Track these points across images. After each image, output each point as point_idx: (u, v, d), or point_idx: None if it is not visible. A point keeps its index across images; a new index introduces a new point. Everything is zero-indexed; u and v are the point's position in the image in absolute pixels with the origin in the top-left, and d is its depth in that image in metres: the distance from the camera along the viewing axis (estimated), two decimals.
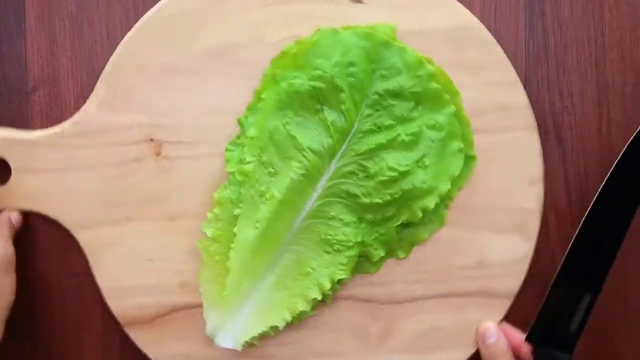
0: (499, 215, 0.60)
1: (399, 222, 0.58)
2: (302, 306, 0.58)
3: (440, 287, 0.60)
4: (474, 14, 0.60)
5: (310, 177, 0.57)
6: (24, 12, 0.62)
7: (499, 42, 0.60)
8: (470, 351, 0.60)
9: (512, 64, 0.60)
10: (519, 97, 0.60)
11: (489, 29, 0.60)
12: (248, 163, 0.58)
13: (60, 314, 0.62)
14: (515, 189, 0.60)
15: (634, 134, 0.57)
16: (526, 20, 0.62)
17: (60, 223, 0.60)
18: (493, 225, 0.60)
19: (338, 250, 0.58)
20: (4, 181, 0.60)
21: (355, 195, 0.58)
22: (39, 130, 0.60)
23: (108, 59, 0.60)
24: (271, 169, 0.58)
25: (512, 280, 0.60)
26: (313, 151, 0.57)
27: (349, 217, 0.58)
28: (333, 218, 0.58)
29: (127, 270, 0.60)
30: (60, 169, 0.60)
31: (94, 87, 0.60)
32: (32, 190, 0.60)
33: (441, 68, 0.59)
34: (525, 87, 0.61)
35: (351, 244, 0.58)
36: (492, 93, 0.60)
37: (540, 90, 0.62)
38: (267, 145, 0.58)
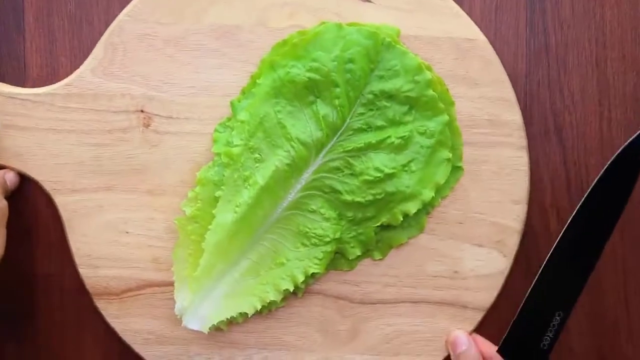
0: (479, 228, 0.60)
1: (378, 224, 0.58)
2: (273, 296, 0.58)
3: (413, 293, 0.60)
4: (474, 12, 0.61)
5: (295, 167, 0.57)
6: (22, 11, 0.61)
7: (499, 41, 0.61)
8: None
9: (513, 63, 0.61)
10: (513, 114, 0.60)
11: (490, 28, 0.61)
12: (235, 146, 0.57)
13: (60, 314, 0.62)
14: (498, 205, 0.60)
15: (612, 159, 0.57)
16: (527, 19, 0.62)
17: (40, 184, 0.60)
18: (472, 237, 0.60)
19: (315, 244, 0.58)
20: None
21: (338, 192, 0.57)
22: (30, 89, 0.60)
23: None
24: (257, 155, 0.57)
25: (486, 294, 0.60)
26: (301, 142, 0.57)
27: (329, 213, 0.58)
28: (313, 212, 0.58)
29: (102, 240, 0.60)
30: (46, 130, 0.59)
31: None
32: (16, 148, 0.59)
33: (439, 76, 0.59)
34: (525, 87, 0.61)
35: (329, 239, 0.58)
36: (487, 107, 0.60)
37: (541, 89, 0.62)
38: (256, 131, 0.57)
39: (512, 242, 0.60)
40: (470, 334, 0.60)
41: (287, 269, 0.58)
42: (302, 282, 0.58)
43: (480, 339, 0.60)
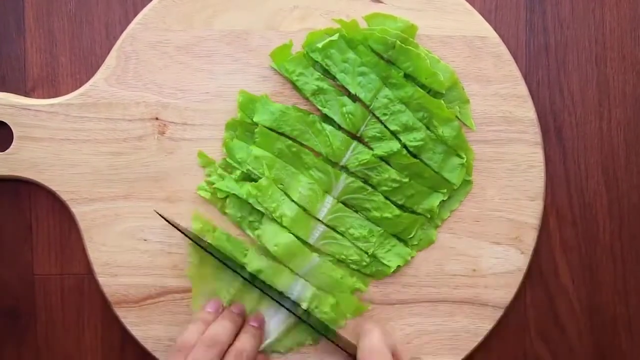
0: (496, 226, 0.60)
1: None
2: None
3: (433, 292, 0.60)
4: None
5: (321, 187, 0.59)
6: (23, 11, 0.61)
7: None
8: (458, 359, 0.60)
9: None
10: (527, 111, 0.60)
11: (490, 28, 0.60)
12: (260, 179, 0.59)
13: (60, 314, 0.62)
14: (515, 202, 0.60)
15: None
16: (527, 19, 0.62)
17: (57, 195, 0.60)
18: (490, 235, 0.60)
19: (356, 270, 0.60)
20: (4, 147, 0.60)
21: (367, 209, 0.59)
22: (44, 99, 0.60)
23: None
24: (281, 185, 0.59)
25: (505, 291, 0.60)
26: (319, 164, 0.59)
27: (359, 232, 0.59)
28: (344, 236, 0.59)
29: (120, 249, 0.60)
30: (62, 140, 0.60)
31: None
32: (32, 159, 0.60)
33: (455, 73, 0.59)
34: (525, 87, 0.61)
35: (365, 263, 0.60)
36: (500, 105, 0.60)
37: (540, 89, 0.62)
38: (274, 163, 0.59)
39: (530, 239, 0.60)
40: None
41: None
42: None
43: None
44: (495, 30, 0.61)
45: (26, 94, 0.61)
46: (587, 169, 0.62)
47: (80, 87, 0.60)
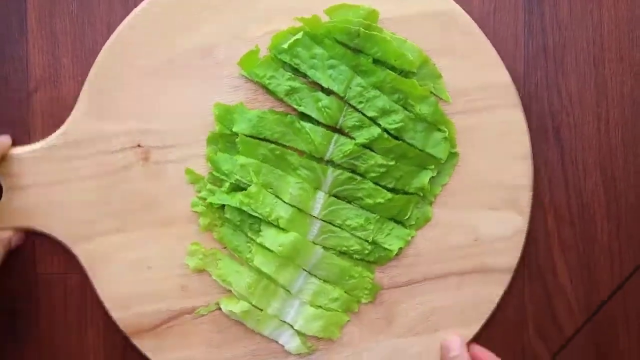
0: (490, 192, 0.61)
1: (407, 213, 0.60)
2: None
3: (439, 268, 0.61)
4: (472, 13, 0.61)
5: (311, 184, 0.59)
6: (25, 12, 0.62)
7: (498, 42, 0.61)
8: (475, 329, 0.61)
9: (511, 65, 0.61)
10: (501, 75, 0.60)
11: (488, 29, 0.61)
12: (249, 186, 0.59)
13: (61, 314, 0.62)
14: (503, 166, 0.61)
15: None
16: (525, 20, 0.62)
17: (54, 238, 0.60)
18: (485, 202, 0.61)
19: (360, 259, 0.60)
20: None
21: (359, 198, 0.59)
22: (26, 146, 0.60)
23: None
24: (271, 189, 0.59)
25: (509, 255, 0.61)
26: (305, 162, 0.59)
27: (355, 221, 0.59)
28: (341, 228, 0.60)
29: (127, 280, 0.60)
30: (50, 183, 0.60)
31: None
32: (24, 208, 0.60)
33: (423, 51, 0.60)
34: (524, 87, 0.62)
35: (368, 250, 0.60)
36: (473, 74, 0.60)
37: (539, 90, 0.63)
38: (260, 168, 0.59)
39: (525, 199, 0.61)
40: (470, 344, 0.60)
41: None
42: None
43: (481, 350, 0.60)
44: (494, 32, 0.61)
45: (28, 94, 0.62)
46: (585, 169, 0.63)
47: (82, 88, 0.60)
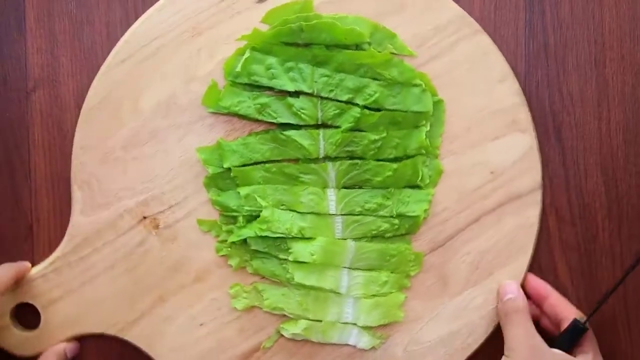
0: (488, 123, 0.60)
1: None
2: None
3: (469, 214, 0.60)
4: (473, 12, 0.61)
5: (318, 192, 0.60)
6: (24, 11, 0.62)
7: (499, 41, 0.61)
8: (526, 258, 0.60)
9: (512, 64, 0.61)
10: (451, 9, 0.60)
11: (489, 28, 0.61)
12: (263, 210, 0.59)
13: None
14: (490, 92, 0.60)
15: None
16: (526, 19, 0.62)
17: (105, 334, 0.61)
18: (487, 134, 0.60)
19: (395, 238, 0.60)
20: (35, 324, 0.61)
21: (369, 180, 0.59)
22: (41, 264, 0.61)
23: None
24: (283, 206, 0.59)
25: (529, 174, 0.60)
26: (305, 172, 0.59)
27: (375, 201, 0.59)
28: (362, 213, 0.59)
29: (185, 344, 0.60)
30: (79, 286, 0.60)
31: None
32: (64, 319, 0.60)
33: (368, 19, 0.59)
34: (525, 86, 0.61)
35: (397, 224, 0.60)
36: (424, 21, 0.60)
37: (540, 89, 0.62)
38: (265, 190, 0.59)
39: (524, 116, 0.60)
40: (523, 279, 0.60)
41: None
42: None
43: (535, 281, 0.60)
44: (495, 31, 0.61)
45: (27, 94, 0.62)
46: (586, 169, 0.62)
47: (81, 87, 0.61)
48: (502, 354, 0.57)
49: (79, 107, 0.60)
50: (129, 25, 0.60)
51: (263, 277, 0.61)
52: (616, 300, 0.62)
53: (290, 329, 0.60)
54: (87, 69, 0.61)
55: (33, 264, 0.61)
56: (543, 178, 0.61)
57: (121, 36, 0.60)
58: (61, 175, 0.62)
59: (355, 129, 0.59)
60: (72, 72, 0.62)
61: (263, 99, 0.59)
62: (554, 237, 0.62)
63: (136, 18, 0.60)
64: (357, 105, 0.58)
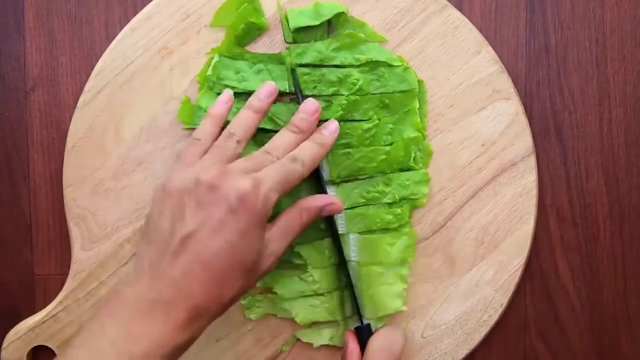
0: (470, 96, 0.59)
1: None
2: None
3: (466, 189, 0.60)
4: (474, 13, 0.60)
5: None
6: (22, 10, 0.62)
7: (499, 41, 0.60)
8: (530, 226, 0.60)
9: (513, 64, 0.60)
10: None
11: (490, 28, 0.60)
12: None
13: None
14: (467, 64, 0.59)
15: None
16: (527, 19, 0.61)
17: None
18: (471, 107, 0.59)
19: (396, 225, 0.59)
20: None
21: (362, 169, 0.58)
22: (48, 307, 0.60)
23: None
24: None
25: (519, 140, 0.59)
26: None
27: (377, 189, 0.59)
28: (365, 203, 0.59)
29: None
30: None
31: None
32: None
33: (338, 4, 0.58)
34: (525, 86, 0.60)
35: (398, 209, 0.59)
36: (391, 3, 0.59)
37: (541, 89, 0.61)
38: None
39: (505, 82, 0.59)
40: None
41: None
42: None
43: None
44: (495, 31, 0.60)
45: (26, 93, 0.62)
46: (587, 169, 0.61)
47: (80, 87, 0.60)
48: (500, 356, 0.58)
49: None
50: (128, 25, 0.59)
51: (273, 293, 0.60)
52: (617, 300, 0.62)
53: (312, 339, 0.60)
54: (86, 68, 0.61)
55: (33, 264, 0.62)
56: (545, 178, 0.61)
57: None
58: (60, 174, 0.61)
59: (347, 119, 0.58)
60: (71, 71, 0.61)
61: (239, 104, 0.57)
62: (555, 238, 0.62)
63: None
64: (342, 95, 0.58)
